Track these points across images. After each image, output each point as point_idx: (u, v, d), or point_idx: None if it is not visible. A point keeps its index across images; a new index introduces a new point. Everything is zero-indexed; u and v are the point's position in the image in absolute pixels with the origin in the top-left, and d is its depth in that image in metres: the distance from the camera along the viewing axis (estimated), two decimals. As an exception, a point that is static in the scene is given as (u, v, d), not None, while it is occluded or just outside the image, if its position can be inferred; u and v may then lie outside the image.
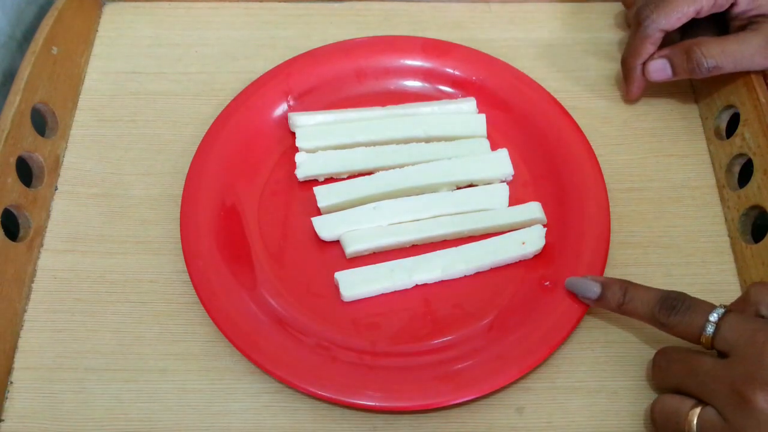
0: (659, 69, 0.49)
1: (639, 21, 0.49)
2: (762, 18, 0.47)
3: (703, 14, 0.48)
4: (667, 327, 0.39)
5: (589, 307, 0.43)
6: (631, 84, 0.51)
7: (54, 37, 0.51)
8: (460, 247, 0.45)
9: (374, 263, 0.45)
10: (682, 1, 0.47)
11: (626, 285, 0.41)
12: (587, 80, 0.54)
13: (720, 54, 0.47)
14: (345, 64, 0.53)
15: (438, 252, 0.45)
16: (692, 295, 0.45)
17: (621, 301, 0.40)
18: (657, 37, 0.49)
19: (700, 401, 0.37)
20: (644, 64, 0.50)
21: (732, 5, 0.47)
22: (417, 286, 0.45)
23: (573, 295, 0.43)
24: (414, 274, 0.44)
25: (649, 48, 0.49)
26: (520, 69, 0.53)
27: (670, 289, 0.40)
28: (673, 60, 0.49)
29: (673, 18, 0.47)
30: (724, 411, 0.35)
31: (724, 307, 0.38)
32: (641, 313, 0.40)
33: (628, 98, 0.53)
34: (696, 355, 0.38)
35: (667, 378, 0.39)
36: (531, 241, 0.45)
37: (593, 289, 0.41)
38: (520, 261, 0.46)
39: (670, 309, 0.38)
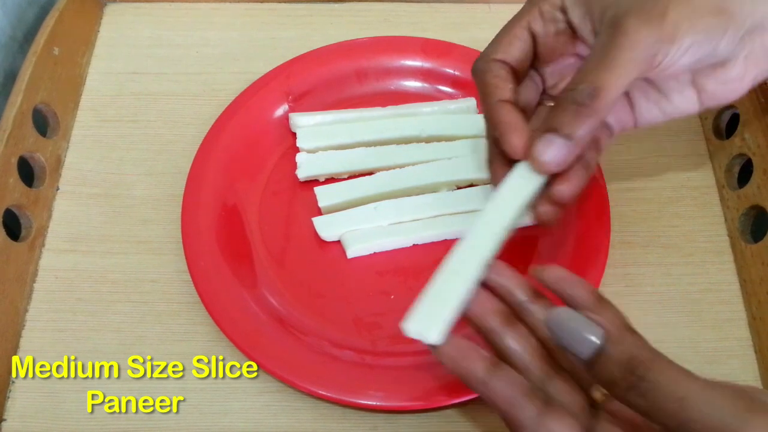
0: (547, 144, 0.34)
1: (474, 71, 0.38)
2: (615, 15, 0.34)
3: (544, 36, 0.37)
4: None
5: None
6: (503, 129, 0.36)
7: (55, 38, 0.51)
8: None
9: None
10: (505, 27, 0.38)
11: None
12: (587, 80, 0.55)
13: (586, 70, 0.33)
14: (345, 64, 0.53)
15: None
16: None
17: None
18: (496, 69, 0.37)
19: None
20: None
21: (564, 12, 0.37)
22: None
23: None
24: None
25: (496, 80, 0.37)
26: (520, 69, 0.53)
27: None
28: (553, 122, 0.34)
29: (503, 43, 0.37)
30: None
31: None
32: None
33: (511, 150, 0.36)
34: None
35: None
36: None
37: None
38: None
39: None
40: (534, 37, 0.38)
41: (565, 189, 0.36)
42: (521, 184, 0.36)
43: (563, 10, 0.37)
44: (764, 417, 0.25)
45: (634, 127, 0.40)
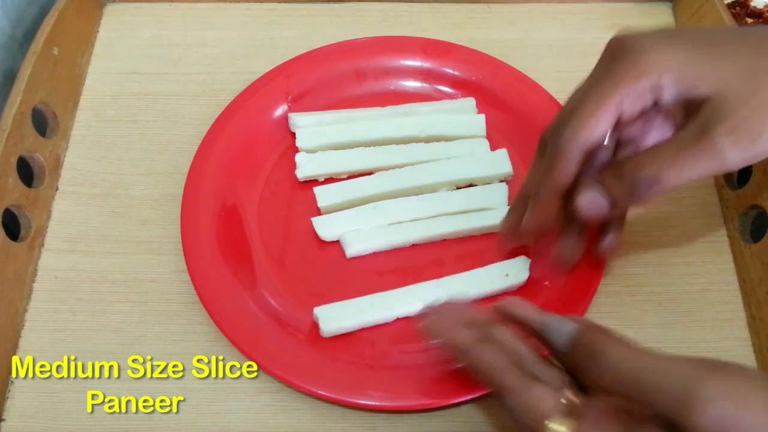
0: (591, 201, 0.36)
1: (554, 141, 0.37)
2: (699, 102, 0.34)
3: (629, 114, 0.36)
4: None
5: (588, 306, 0.43)
6: (537, 214, 0.39)
7: (55, 38, 0.51)
8: (441, 280, 0.44)
9: (357, 296, 0.43)
10: (594, 103, 0.35)
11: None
12: (587, 80, 0.55)
13: (656, 160, 0.34)
14: (345, 64, 0.53)
15: (419, 284, 0.44)
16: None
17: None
18: (575, 156, 0.36)
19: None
20: (570, 199, 0.38)
21: (656, 91, 0.35)
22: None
23: (572, 295, 0.43)
24: (395, 307, 0.43)
25: (568, 174, 0.37)
26: (520, 69, 0.53)
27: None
28: (606, 183, 0.36)
29: (590, 127, 0.35)
30: None
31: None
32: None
33: (527, 232, 0.41)
34: None
35: None
36: (514, 273, 0.44)
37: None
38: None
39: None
40: (620, 114, 0.36)
41: (609, 240, 0.41)
42: (503, 275, 0.44)
43: (657, 89, 0.35)
44: (718, 375, 0.27)
45: None
